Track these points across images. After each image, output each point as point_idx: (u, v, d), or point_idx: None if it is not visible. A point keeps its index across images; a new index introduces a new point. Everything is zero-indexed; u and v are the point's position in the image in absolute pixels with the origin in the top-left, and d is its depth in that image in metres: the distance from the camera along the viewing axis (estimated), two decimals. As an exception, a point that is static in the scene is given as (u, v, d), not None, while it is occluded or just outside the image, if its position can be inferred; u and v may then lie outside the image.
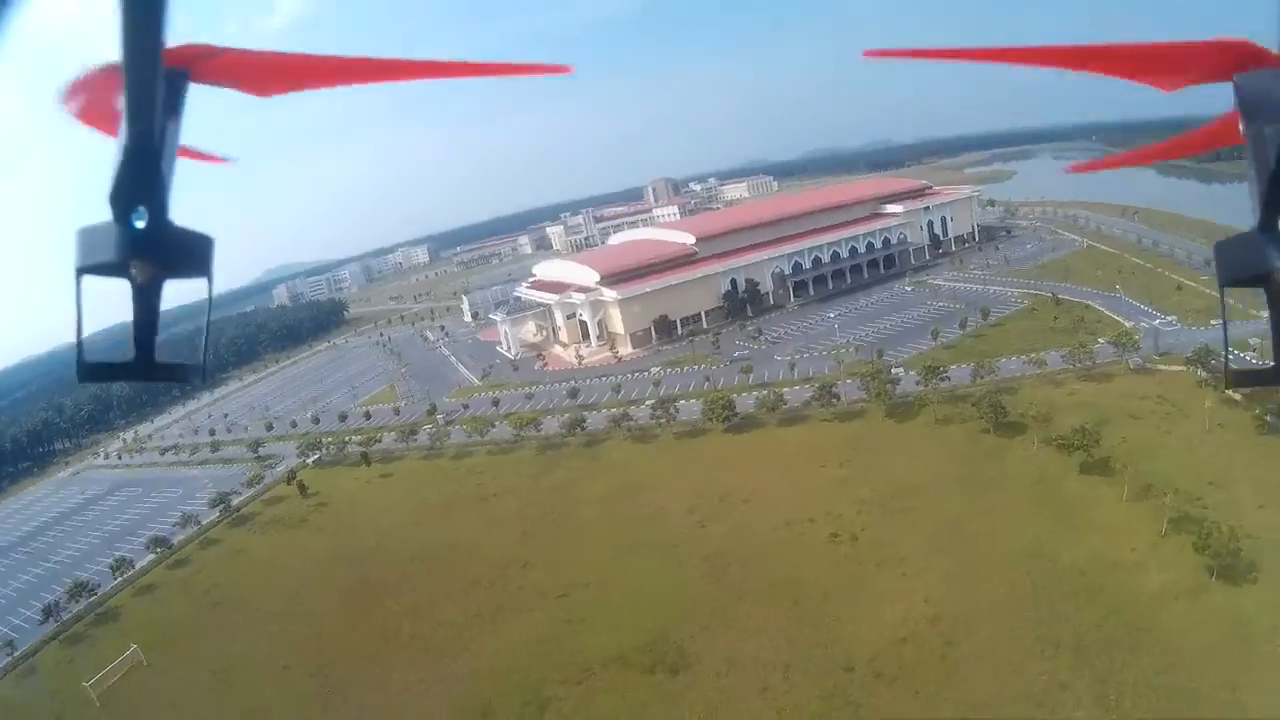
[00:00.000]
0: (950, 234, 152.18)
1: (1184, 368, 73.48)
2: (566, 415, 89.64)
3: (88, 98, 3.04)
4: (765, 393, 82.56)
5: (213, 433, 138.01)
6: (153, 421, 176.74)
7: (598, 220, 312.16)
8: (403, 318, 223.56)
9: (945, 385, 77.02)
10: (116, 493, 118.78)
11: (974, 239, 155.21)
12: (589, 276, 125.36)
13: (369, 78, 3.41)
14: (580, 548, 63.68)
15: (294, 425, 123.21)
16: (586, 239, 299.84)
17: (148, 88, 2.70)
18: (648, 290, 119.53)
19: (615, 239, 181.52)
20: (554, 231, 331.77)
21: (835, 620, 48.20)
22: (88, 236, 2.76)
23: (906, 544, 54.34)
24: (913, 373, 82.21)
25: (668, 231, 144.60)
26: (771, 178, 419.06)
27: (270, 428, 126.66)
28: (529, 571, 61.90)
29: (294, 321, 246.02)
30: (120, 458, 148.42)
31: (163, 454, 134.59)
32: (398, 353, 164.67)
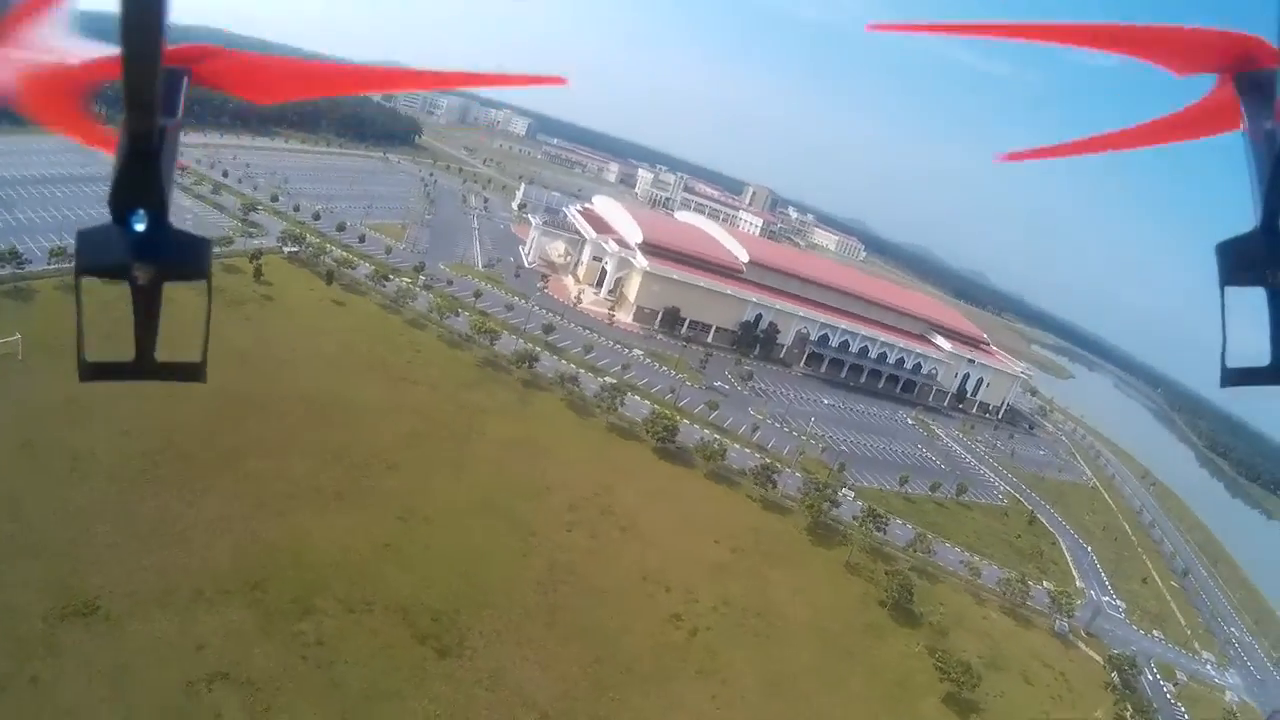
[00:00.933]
0: (979, 396, 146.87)
1: (1102, 664, 69.26)
2: (527, 345, 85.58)
3: (46, 95, 2.98)
4: (715, 438, 78.43)
5: (225, 174, 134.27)
6: (185, 134, 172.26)
7: (687, 189, 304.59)
8: (461, 170, 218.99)
9: (879, 535, 72.68)
10: (96, 183, 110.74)
11: (997, 414, 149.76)
12: (634, 234, 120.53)
13: (369, 87, 3.48)
14: (449, 480, 59.91)
15: (296, 209, 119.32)
16: (667, 199, 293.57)
17: (147, 88, 2.67)
18: (676, 277, 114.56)
19: (681, 214, 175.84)
20: (644, 175, 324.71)
21: (618, 702, 44.44)
22: (88, 238, 2.79)
23: (740, 671, 50.40)
24: (859, 502, 78.25)
25: (729, 238, 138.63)
26: (863, 246, 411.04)
27: (275, 199, 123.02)
28: (392, 474, 58.20)
29: (367, 117, 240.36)
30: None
31: None
32: (433, 199, 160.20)
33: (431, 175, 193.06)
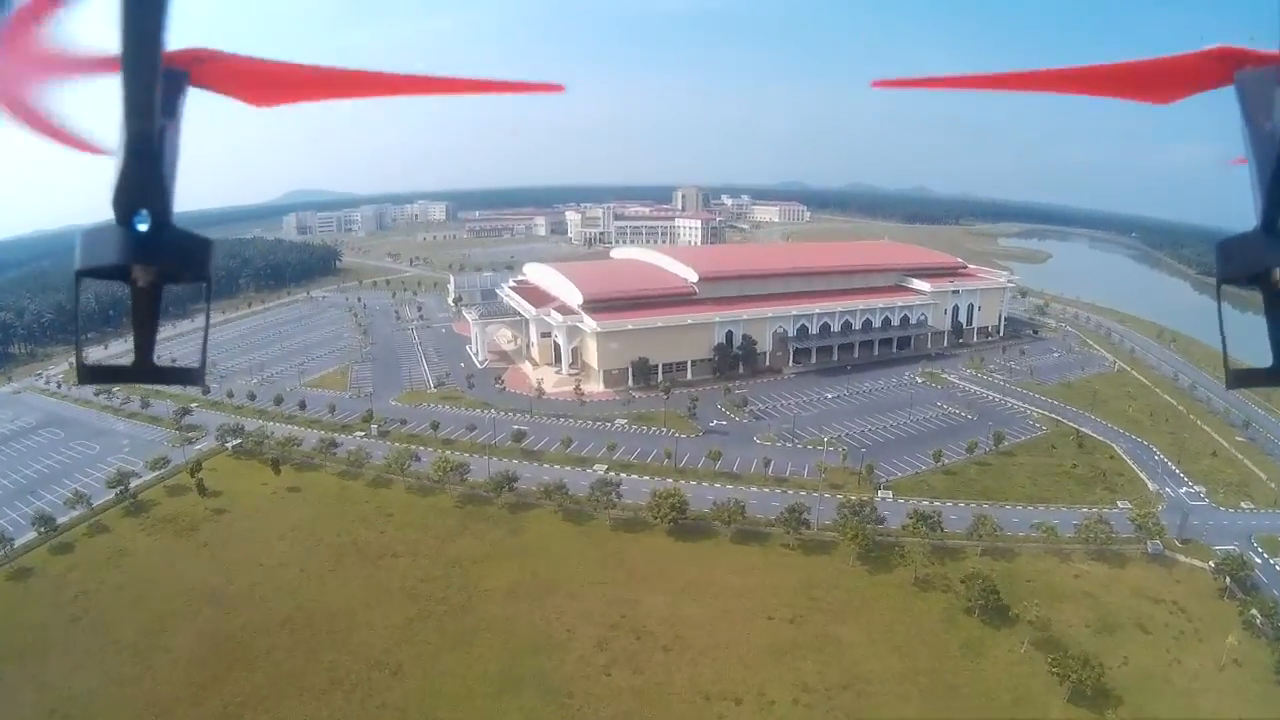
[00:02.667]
0: (975, 323, 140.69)
1: (1207, 567, 62.91)
2: (499, 465, 78.56)
3: (33, 106, 3.03)
4: (728, 491, 71.64)
5: None
6: (105, 347, 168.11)
7: (617, 218, 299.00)
8: (388, 282, 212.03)
9: (935, 534, 65.71)
10: (39, 432, 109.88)
11: (998, 333, 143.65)
12: (574, 295, 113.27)
13: (367, 91, 3.49)
14: (463, 662, 52.80)
15: (230, 395, 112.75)
16: (601, 234, 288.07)
17: (147, 89, 2.74)
18: (630, 328, 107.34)
19: (617, 253, 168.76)
20: (572, 218, 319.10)
21: None
22: (89, 238, 2.85)
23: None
24: (901, 500, 71.49)
25: (671, 261, 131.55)
26: (805, 207, 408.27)
27: (207, 391, 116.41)
28: (398, 682, 51.18)
29: (282, 261, 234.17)
30: (59, 385, 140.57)
31: (96, 394, 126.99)
32: (365, 327, 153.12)
33: (360, 300, 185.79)
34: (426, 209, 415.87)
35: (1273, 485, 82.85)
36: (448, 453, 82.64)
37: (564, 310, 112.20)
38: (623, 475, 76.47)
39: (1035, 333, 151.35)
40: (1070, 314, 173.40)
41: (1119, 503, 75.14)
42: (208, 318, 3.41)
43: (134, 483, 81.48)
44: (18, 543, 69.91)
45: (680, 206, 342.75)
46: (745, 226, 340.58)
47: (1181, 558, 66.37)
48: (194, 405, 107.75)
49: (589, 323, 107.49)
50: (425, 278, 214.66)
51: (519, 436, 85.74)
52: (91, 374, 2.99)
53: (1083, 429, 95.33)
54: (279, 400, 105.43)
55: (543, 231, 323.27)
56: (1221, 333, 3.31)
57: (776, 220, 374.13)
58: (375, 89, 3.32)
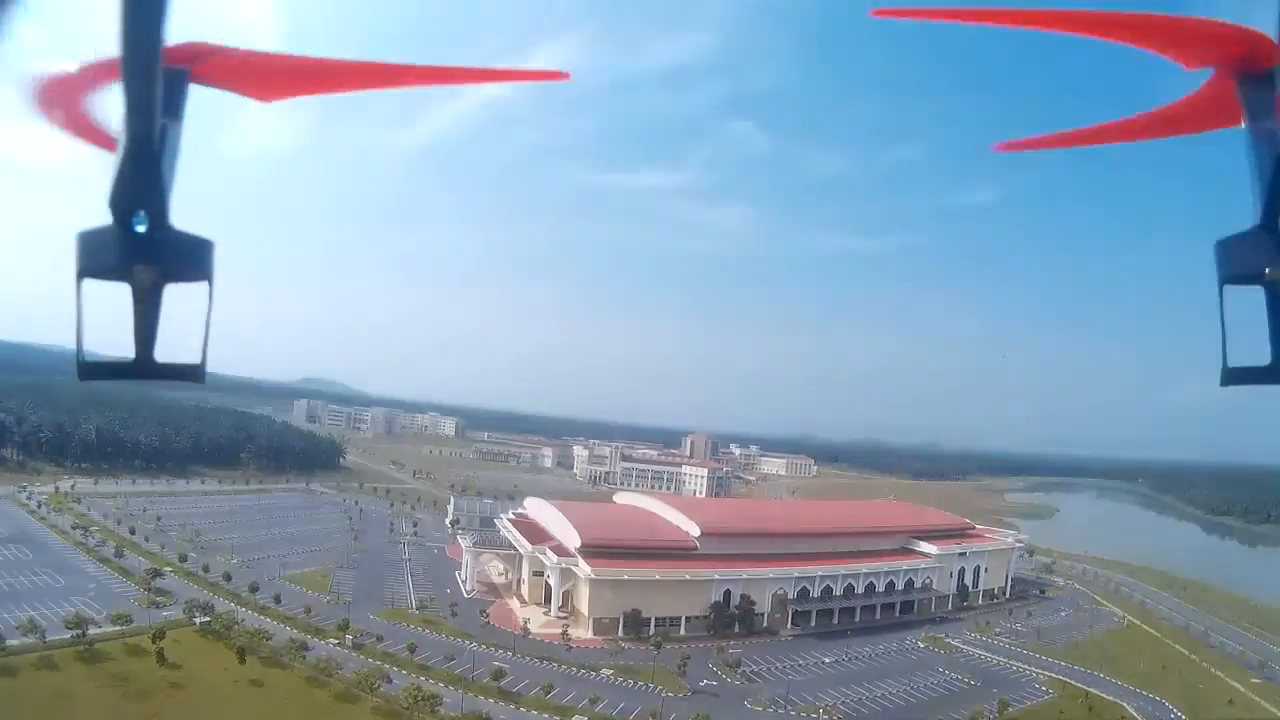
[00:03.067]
0: (981, 585, 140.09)
1: None
2: (474, 703, 74.78)
3: (64, 101, 3.08)
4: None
5: (132, 530, 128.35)
6: (96, 483, 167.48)
7: (624, 459, 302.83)
8: (388, 491, 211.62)
9: None
10: (7, 546, 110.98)
11: (1005, 595, 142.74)
12: (572, 537, 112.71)
13: (371, 83, 3.47)
14: None
15: (206, 569, 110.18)
16: (607, 474, 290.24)
17: (147, 88, 2.73)
18: (626, 578, 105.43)
19: (621, 497, 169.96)
20: (579, 453, 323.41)
21: None
22: (88, 240, 2.87)
23: None
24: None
25: (674, 513, 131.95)
26: (813, 460, 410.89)
27: (184, 559, 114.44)
28: None
29: (286, 446, 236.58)
30: (39, 506, 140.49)
31: (74, 528, 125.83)
32: (358, 533, 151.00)
33: (357, 504, 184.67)
34: (437, 422, 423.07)
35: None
36: (423, 679, 79.08)
37: (560, 551, 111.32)
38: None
39: (1043, 592, 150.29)
40: (1078, 570, 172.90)
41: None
42: (208, 318, 3.23)
43: (92, 630, 79.07)
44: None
45: (689, 453, 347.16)
46: (751, 478, 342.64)
47: None
48: (167, 570, 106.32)
49: (584, 568, 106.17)
50: (426, 493, 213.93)
51: (498, 675, 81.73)
52: (92, 371, 2.97)
53: (1092, 690, 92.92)
54: (254, 588, 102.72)
55: (549, 463, 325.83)
56: (1223, 333, 3.26)
57: (783, 474, 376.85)
58: (377, 80, 3.40)
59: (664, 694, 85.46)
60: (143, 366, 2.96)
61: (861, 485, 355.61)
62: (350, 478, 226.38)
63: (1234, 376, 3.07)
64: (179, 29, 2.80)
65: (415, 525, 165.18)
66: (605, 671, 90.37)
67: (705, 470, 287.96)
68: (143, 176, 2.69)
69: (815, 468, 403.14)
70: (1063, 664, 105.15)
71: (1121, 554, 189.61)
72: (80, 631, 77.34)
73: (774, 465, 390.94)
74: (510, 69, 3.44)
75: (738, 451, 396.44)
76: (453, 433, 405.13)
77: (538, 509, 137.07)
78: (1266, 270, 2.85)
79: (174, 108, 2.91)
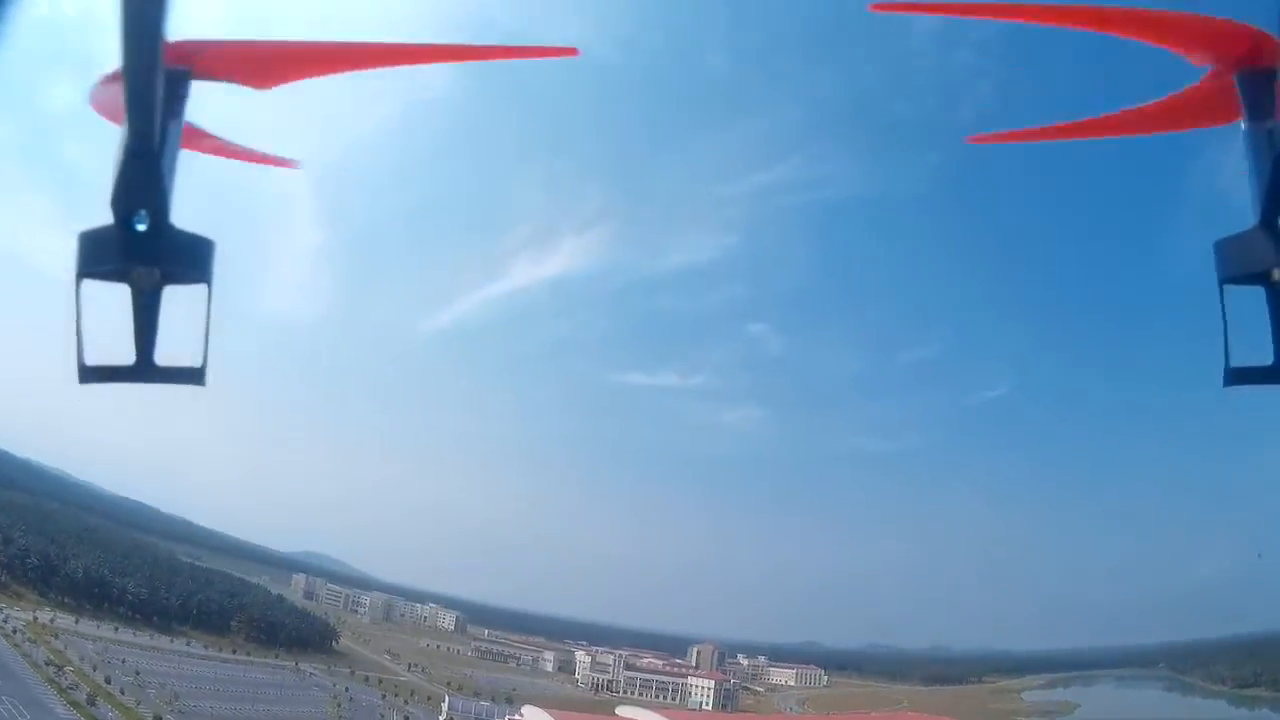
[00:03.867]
0: None
1: None
2: None
3: (116, 96, 2.94)
4: None
5: (108, 680, 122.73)
6: (77, 621, 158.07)
7: (628, 667, 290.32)
8: (380, 681, 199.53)
9: None
10: None
11: None
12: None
13: (370, 63, 3.45)
14: None
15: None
16: (610, 682, 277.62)
17: (148, 89, 2.73)
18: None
19: (622, 710, 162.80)
20: (581, 659, 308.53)
21: None
22: (89, 240, 2.87)
23: None
24: None
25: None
26: (823, 670, 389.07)
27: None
28: None
29: (279, 622, 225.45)
30: (14, 631, 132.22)
31: (47, 663, 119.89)
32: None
33: (347, 691, 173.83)
34: (437, 614, 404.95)
35: None
36: None
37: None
38: None
39: None
40: None
41: None
42: (208, 319, 3.13)
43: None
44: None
45: (694, 663, 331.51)
46: (760, 690, 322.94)
47: None
48: None
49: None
50: (420, 688, 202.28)
51: None
52: (92, 373, 2.87)
53: None
54: None
55: (550, 667, 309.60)
56: (1225, 333, 3.14)
57: (793, 684, 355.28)
58: (377, 60, 3.25)
59: None
60: (143, 369, 2.94)
61: (874, 695, 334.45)
62: (342, 662, 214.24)
63: (1237, 377, 3.02)
64: (183, 27, 2.86)
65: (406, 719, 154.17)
66: None
67: (712, 681, 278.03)
68: (143, 176, 2.69)
69: (825, 677, 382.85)
70: None
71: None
72: None
73: (783, 676, 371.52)
74: (516, 46, 3.29)
75: (745, 662, 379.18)
76: (452, 627, 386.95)
77: (535, 718, 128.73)
78: (1267, 270, 2.78)
79: (176, 108, 2.88)
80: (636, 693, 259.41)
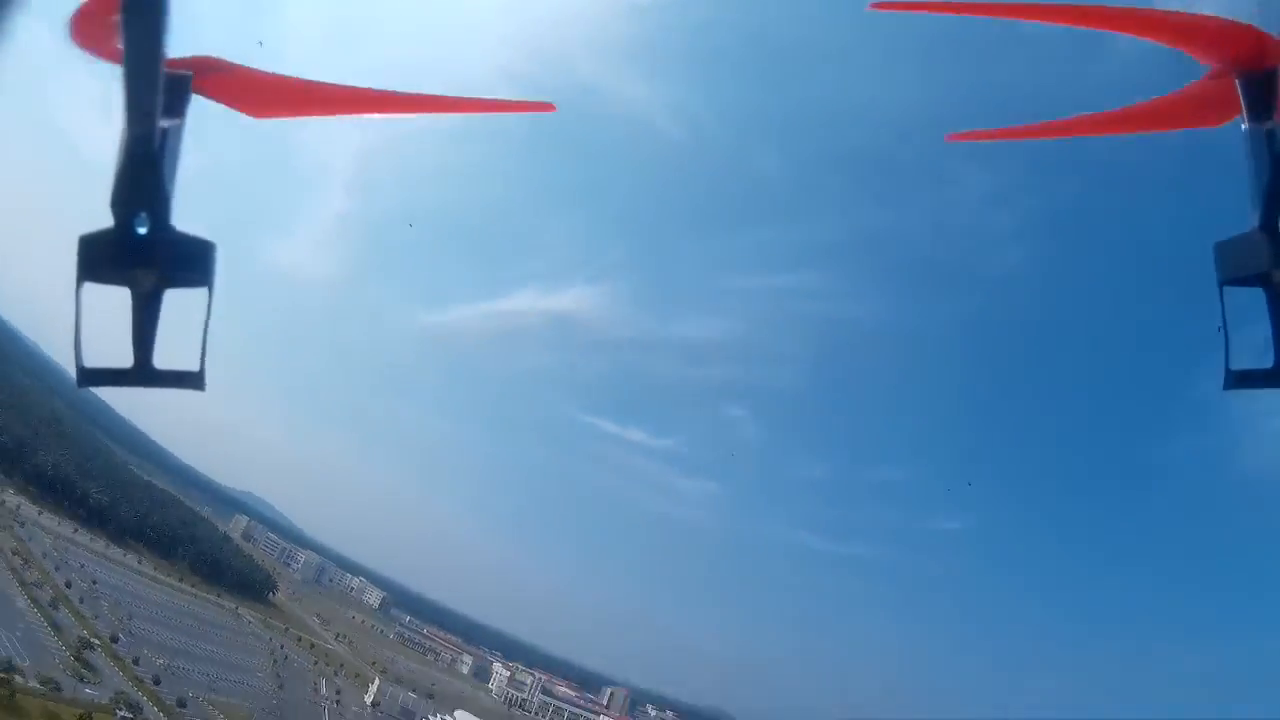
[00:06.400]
0: None
1: None
2: None
3: (96, 26, 2.98)
4: None
5: (69, 584, 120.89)
6: (40, 513, 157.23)
7: (544, 692, 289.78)
8: (313, 646, 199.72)
9: None
10: None
11: None
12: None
13: (363, 109, 3.49)
14: None
15: (136, 662, 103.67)
16: (524, 701, 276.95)
17: (149, 91, 2.69)
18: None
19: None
20: (499, 671, 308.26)
21: None
22: (89, 243, 2.81)
23: None
24: None
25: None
26: None
27: (115, 640, 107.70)
28: None
29: (226, 561, 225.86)
30: None
31: (13, 553, 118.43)
32: (282, 682, 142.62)
33: (282, 648, 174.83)
34: (364, 588, 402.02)
35: None
36: None
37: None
38: None
39: None
40: None
41: None
42: (208, 321, 3.15)
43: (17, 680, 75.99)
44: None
45: (606, 703, 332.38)
46: None
47: None
48: (95, 642, 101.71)
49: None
50: (347, 661, 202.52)
51: None
52: (90, 377, 2.90)
53: None
54: (182, 703, 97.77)
55: (466, 670, 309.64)
56: (1225, 335, 3.21)
57: None
58: (369, 106, 3.42)
59: None
60: (141, 372, 2.91)
61: None
62: (276, 616, 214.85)
63: (1238, 380, 3.03)
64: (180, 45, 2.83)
65: (339, 693, 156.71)
66: None
67: None
68: (143, 178, 2.71)
69: None
70: None
71: None
72: (5, 677, 73.98)
73: None
74: (497, 100, 3.53)
75: (653, 713, 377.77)
76: (377, 605, 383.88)
77: None
78: (1267, 273, 2.84)
79: (176, 111, 2.92)
80: (548, 717, 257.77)
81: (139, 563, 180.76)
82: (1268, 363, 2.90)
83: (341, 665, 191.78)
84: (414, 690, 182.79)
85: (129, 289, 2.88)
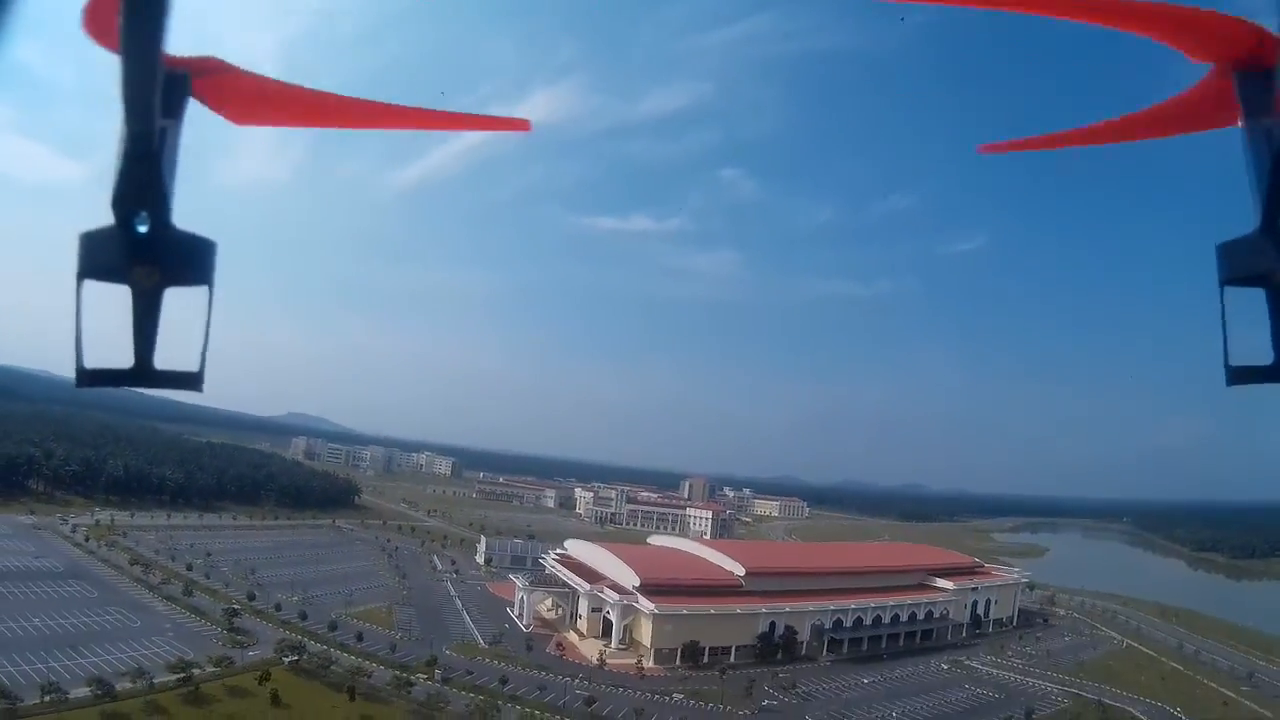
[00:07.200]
0: (991, 615, 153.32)
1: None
2: None
3: (109, 18, 2.88)
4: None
5: (190, 567, 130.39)
6: (132, 515, 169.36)
7: (630, 501, 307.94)
8: (414, 529, 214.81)
9: None
10: (69, 582, 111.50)
11: (1013, 624, 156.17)
12: (628, 578, 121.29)
13: (348, 121, 3.50)
14: None
15: (278, 608, 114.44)
16: (613, 515, 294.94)
17: (147, 89, 2.69)
18: (685, 613, 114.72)
19: (656, 540, 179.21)
20: (582, 495, 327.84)
21: None
22: (89, 241, 2.83)
23: None
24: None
25: (715, 554, 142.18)
26: (805, 503, 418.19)
27: (252, 597, 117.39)
28: None
29: (305, 485, 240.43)
30: (86, 540, 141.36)
31: (131, 564, 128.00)
32: (402, 571, 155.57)
33: (390, 541, 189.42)
34: (433, 461, 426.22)
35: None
36: (528, 710, 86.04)
37: (618, 589, 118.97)
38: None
39: (1046, 621, 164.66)
40: (1076, 602, 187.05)
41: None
42: (208, 322, 3.06)
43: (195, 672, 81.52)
44: (71, 695, 71.01)
45: (687, 495, 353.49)
46: (748, 520, 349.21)
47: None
48: (238, 608, 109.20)
49: (645, 604, 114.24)
50: (449, 532, 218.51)
51: (590, 701, 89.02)
52: (91, 377, 2.89)
53: (1103, 699, 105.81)
54: (333, 626, 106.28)
55: (551, 504, 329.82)
56: (1224, 333, 3.11)
57: (777, 515, 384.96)
58: (354, 119, 3.49)
59: (736, 712, 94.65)
60: (142, 373, 2.92)
61: (855, 527, 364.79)
62: (369, 515, 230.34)
63: (1238, 376, 3.04)
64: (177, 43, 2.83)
65: (454, 564, 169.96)
66: (677, 696, 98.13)
67: (709, 513, 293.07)
68: (143, 177, 2.74)
69: (807, 509, 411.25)
70: (1073, 679, 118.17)
71: (1113, 588, 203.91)
72: (186, 675, 79.05)
73: (767, 507, 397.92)
74: (473, 115, 3.59)
75: (731, 494, 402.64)
76: (449, 472, 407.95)
77: (581, 550, 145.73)
78: (1268, 273, 2.83)
79: (175, 109, 2.96)
80: (639, 524, 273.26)
81: (234, 519, 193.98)
82: (1267, 360, 2.96)
83: (445, 537, 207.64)
84: (515, 536, 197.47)
85: (129, 287, 2.94)
